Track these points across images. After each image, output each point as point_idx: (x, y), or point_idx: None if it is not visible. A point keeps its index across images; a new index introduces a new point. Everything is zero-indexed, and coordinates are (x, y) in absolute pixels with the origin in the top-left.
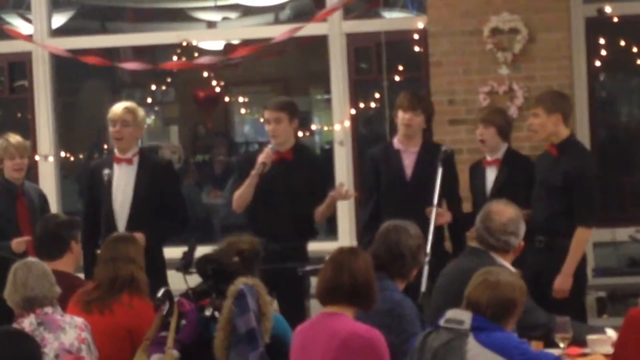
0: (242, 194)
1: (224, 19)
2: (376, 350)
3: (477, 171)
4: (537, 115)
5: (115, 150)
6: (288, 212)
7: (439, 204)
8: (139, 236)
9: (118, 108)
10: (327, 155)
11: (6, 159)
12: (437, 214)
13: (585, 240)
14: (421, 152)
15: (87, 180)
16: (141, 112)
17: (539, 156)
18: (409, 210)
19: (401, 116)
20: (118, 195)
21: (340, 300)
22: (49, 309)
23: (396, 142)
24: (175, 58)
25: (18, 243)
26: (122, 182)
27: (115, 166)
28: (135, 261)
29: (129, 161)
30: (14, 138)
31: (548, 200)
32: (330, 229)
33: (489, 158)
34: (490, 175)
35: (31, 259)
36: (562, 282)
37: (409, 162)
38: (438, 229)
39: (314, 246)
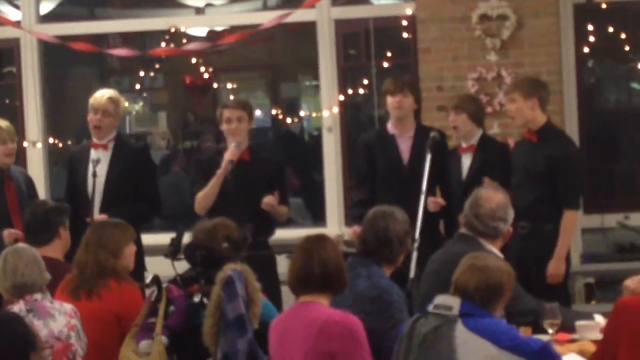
0: (207, 194)
1: (212, 5)
2: (354, 334)
3: (452, 158)
4: (513, 101)
5: (93, 136)
6: (248, 211)
7: (432, 189)
8: (104, 218)
9: (102, 97)
10: (316, 142)
11: None
12: (430, 201)
13: (574, 223)
14: (417, 137)
15: (68, 165)
16: (123, 101)
17: (517, 143)
18: (406, 195)
19: (390, 101)
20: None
21: (313, 289)
22: (38, 296)
23: (390, 127)
24: (163, 44)
25: (10, 234)
26: (98, 167)
27: (92, 152)
28: (116, 249)
29: (105, 147)
30: (4, 123)
31: (530, 186)
32: (319, 216)
33: (463, 145)
34: (466, 161)
35: (21, 245)
36: (556, 266)
37: (405, 147)
38: (433, 214)
39: (301, 232)
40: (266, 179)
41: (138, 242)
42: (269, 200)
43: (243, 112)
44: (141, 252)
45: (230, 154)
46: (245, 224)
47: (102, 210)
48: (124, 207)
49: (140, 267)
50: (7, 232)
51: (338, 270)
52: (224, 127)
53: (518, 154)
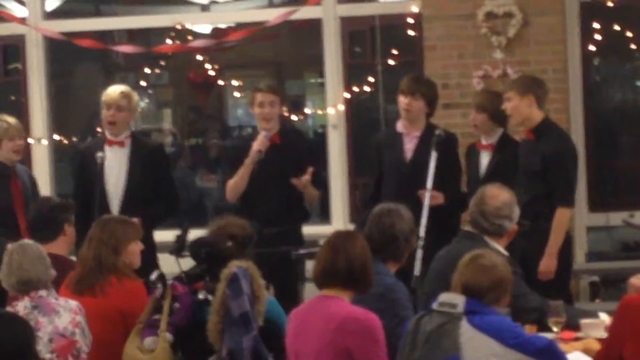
0: (237, 183)
1: (218, 2)
2: (372, 333)
3: (472, 154)
4: (510, 99)
5: (107, 133)
6: (280, 196)
7: (438, 188)
8: (135, 221)
9: (114, 92)
10: (321, 139)
11: (6, 140)
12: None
13: (565, 220)
14: (423, 136)
15: (78, 162)
16: (136, 96)
17: (521, 143)
18: (407, 193)
19: (401, 100)
20: (111, 177)
21: (337, 284)
22: (43, 292)
23: (399, 126)
24: (169, 41)
25: None
26: (115, 165)
27: (107, 148)
28: (117, 245)
29: (121, 144)
30: (12, 119)
31: (528, 185)
32: (324, 213)
33: (483, 142)
34: (484, 159)
35: (27, 241)
36: (546, 264)
37: (410, 145)
38: (439, 212)
39: (307, 230)
40: (298, 161)
41: (151, 240)
42: (298, 180)
43: (276, 96)
44: (154, 250)
45: (258, 143)
46: (254, 222)
47: (123, 207)
48: (146, 207)
49: (152, 266)
50: None
51: (364, 268)
52: (255, 110)
53: (521, 153)
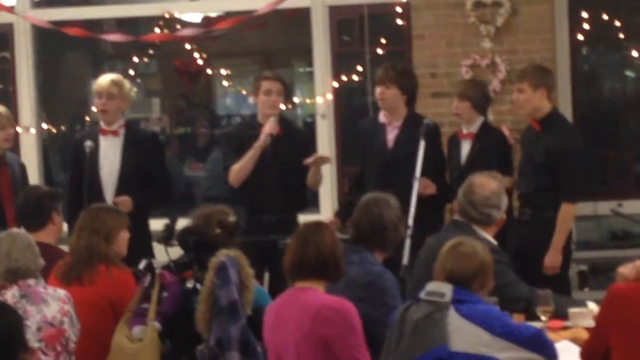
0: (243, 167)
1: None
2: (348, 319)
3: (453, 143)
4: (522, 91)
5: (101, 122)
6: (279, 184)
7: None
8: (126, 200)
9: (104, 80)
10: (310, 128)
11: None
12: (422, 185)
13: (569, 216)
14: (404, 126)
15: (72, 151)
16: (127, 84)
17: (525, 129)
18: (389, 183)
19: (376, 91)
20: (105, 166)
21: (308, 275)
22: (32, 281)
23: (381, 116)
24: (157, 30)
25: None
26: (110, 154)
27: (101, 138)
28: (108, 234)
29: (115, 133)
30: (2, 108)
31: (533, 175)
32: (312, 202)
33: (464, 131)
34: (465, 147)
35: (16, 230)
36: (552, 259)
37: (391, 136)
38: (429, 202)
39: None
40: (296, 151)
41: (146, 229)
42: (312, 158)
43: (281, 85)
44: (149, 238)
45: (270, 127)
46: (239, 210)
47: (117, 196)
48: (139, 193)
49: (148, 254)
50: None
51: (333, 257)
52: (260, 98)
53: (524, 140)
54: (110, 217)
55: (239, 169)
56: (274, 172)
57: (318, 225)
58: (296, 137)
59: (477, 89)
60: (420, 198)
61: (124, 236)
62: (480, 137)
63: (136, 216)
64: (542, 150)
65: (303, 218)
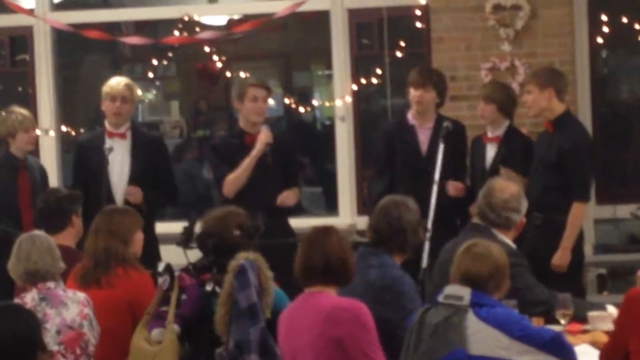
0: (239, 177)
1: None
2: (360, 319)
3: (477, 146)
4: (530, 92)
5: (107, 125)
6: (269, 189)
7: (447, 179)
8: (137, 190)
9: (118, 84)
10: (329, 131)
11: (22, 131)
12: (451, 186)
13: (581, 215)
14: (436, 128)
15: (78, 155)
16: (137, 88)
17: (540, 134)
18: (424, 186)
19: (412, 93)
20: (114, 168)
21: (317, 280)
22: (51, 284)
23: (410, 118)
24: (176, 33)
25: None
26: (118, 156)
27: (108, 140)
28: (125, 236)
29: (123, 135)
30: (25, 111)
31: (543, 176)
32: (332, 206)
33: (489, 134)
34: (490, 151)
35: (37, 232)
36: (561, 258)
37: (424, 138)
38: (453, 204)
39: (314, 222)
40: (281, 157)
41: (152, 232)
42: (282, 200)
43: (268, 92)
44: (156, 241)
45: (266, 136)
46: (258, 212)
47: (127, 199)
48: (147, 194)
49: (155, 257)
50: None
51: (341, 262)
52: (247, 105)
53: (538, 144)
54: (125, 218)
55: (235, 179)
56: (262, 180)
57: (325, 229)
58: (280, 144)
59: (503, 92)
60: (445, 200)
61: (139, 237)
62: (507, 141)
63: (143, 218)
64: (554, 150)
65: (321, 222)
